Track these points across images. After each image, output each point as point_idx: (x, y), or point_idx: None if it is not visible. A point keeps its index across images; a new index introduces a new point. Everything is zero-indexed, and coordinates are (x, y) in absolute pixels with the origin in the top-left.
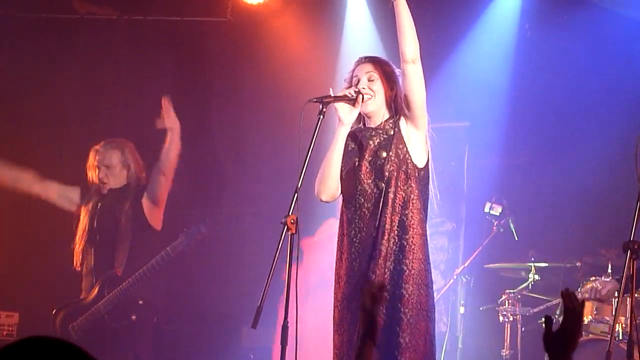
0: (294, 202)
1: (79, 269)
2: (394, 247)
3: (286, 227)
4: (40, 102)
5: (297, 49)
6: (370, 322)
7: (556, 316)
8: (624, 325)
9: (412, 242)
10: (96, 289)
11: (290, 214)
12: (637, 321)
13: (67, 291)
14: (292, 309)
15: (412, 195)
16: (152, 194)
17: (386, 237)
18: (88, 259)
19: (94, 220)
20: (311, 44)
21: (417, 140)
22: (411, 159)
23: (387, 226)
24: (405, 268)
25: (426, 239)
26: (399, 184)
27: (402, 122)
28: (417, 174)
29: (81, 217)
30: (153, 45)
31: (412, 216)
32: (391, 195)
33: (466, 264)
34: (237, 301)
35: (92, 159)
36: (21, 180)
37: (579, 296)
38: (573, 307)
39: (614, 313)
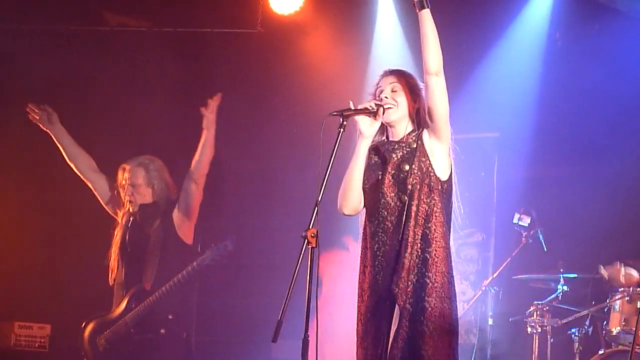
0: (314, 216)
1: (112, 283)
2: (417, 260)
3: (306, 240)
4: (72, 116)
5: (326, 60)
6: None
7: (585, 327)
8: None
9: (435, 255)
10: (124, 303)
11: (310, 227)
12: None
13: (98, 304)
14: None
15: (435, 208)
16: (184, 205)
17: (409, 250)
18: (119, 274)
19: (125, 236)
20: (340, 55)
21: (440, 153)
22: (434, 172)
23: (410, 239)
24: (428, 281)
25: (449, 252)
26: (422, 196)
27: (425, 134)
28: (440, 187)
29: (115, 232)
30: (183, 58)
31: (435, 229)
32: (414, 209)
33: (495, 275)
34: (266, 314)
35: (120, 177)
36: (81, 160)
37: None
38: None
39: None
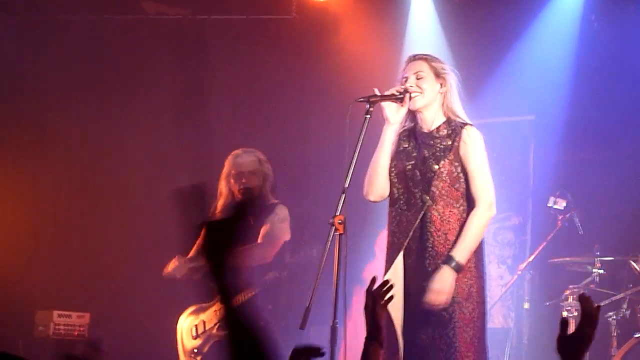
0: (341, 202)
1: None
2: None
3: (334, 227)
4: (112, 106)
5: (359, 46)
6: (373, 322)
7: (623, 310)
8: None
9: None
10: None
11: (337, 214)
12: None
13: (138, 293)
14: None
15: (464, 214)
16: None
17: (430, 254)
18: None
19: (212, 229)
20: (374, 41)
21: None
22: (465, 178)
23: (430, 244)
24: (457, 289)
25: (482, 257)
26: (447, 201)
27: (465, 135)
28: (468, 190)
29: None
30: (218, 45)
31: None
32: (435, 214)
33: (530, 259)
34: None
35: (228, 167)
36: None
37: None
38: (590, 311)
39: None
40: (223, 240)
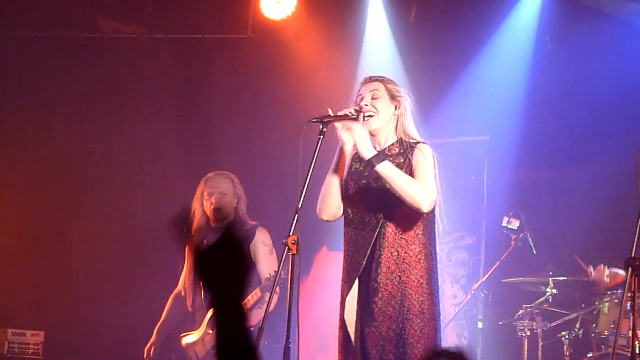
0: (294, 223)
1: (190, 309)
2: (394, 282)
3: (287, 247)
4: (64, 122)
5: (316, 66)
6: None
7: (575, 329)
8: None
9: (418, 276)
10: (205, 325)
11: (291, 234)
12: None
13: (92, 311)
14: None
15: (417, 230)
16: None
17: (381, 270)
18: (198, 295)
19: (203, 257)
20: (330, 61)
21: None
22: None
23: (383, 260)
24: (409, 304)
25: (433, 273)
26: (401, 217)
27: (417, 155)
28: None
29: (187, 256)
30: (174, 64)
31: (418, 250)
32: (389, 230)
33: (484, 279)
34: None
35: (201, 188)
36: None
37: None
38: None
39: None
40: (222, 272)
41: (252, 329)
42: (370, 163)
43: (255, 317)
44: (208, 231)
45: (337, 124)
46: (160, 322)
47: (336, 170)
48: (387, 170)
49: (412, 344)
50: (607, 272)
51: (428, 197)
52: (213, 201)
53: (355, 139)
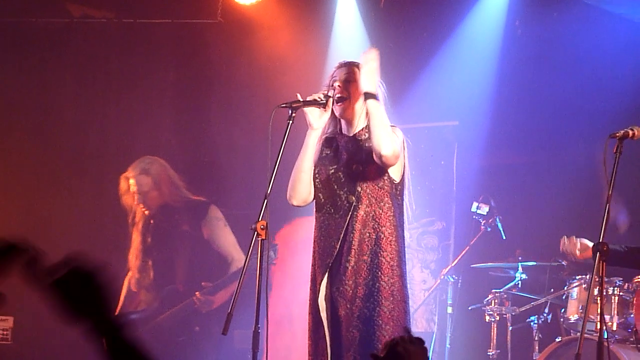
0: (263, 208)
1: (134, 288)
2: (366, 264)
3: (256, 232)
4: (33, 110)
5: (286, 51)
6: None
7: (544, 314)
8: (609, 324)
9: (389, 258)
10: (157, 303)
11: (260, 219)
12: (623, 319)
13: None
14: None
15: (388, 212)
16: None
17: (353, 253)
18: (146, 276)
19: (147, 237)
20: (300, 46)
21: None
22: (387, 174)
23: (355, 243)
24: (380, 285)
25: (402, 254)
26: (372, 199)
27: None
28: (393, 189)
29: (133, 236)
30: (144, 49)
31: (387, 232)
32: (361, 212)
33: (453, 264)
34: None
35: (123, 186)
36: None
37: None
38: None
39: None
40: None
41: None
42: (369, 94)
43: (218, 300)
44: (149, 215)
45: (306, 109)
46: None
47: (306, 156)
48: (377, 107)
49: (381, 325)
50: (578, 244)
51: (393, 150)
52: (138, 202)
53: (365, 72)
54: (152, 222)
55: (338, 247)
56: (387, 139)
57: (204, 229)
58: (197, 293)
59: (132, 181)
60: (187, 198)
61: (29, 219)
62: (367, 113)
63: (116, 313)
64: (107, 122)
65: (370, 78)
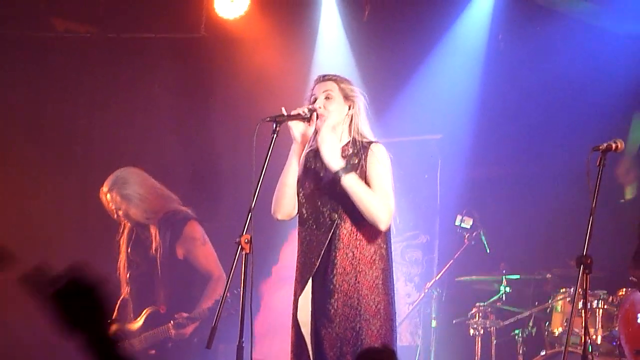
0: (248, 222)
1: (126, 296)
2: (349, 283)
3: (240, 247)
4: (16, 122)
5: (270, 65)
6: None
7: (529, 328)
8: (593, 337)
9: (374, 276)
10: (141, 321)
11: (244, 233)
12: (607, 332)
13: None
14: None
15: (372, 231)
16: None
17: (336, 271)
18: (131, 286)
19: (129, 249)
20: (284, 60)
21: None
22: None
23: (338, 260)
24: (366, 305)
25: (389, 274)
26: (356, 217)
27: (371, 157)
28: None
29: (121, 248)
30: (127, 63)
31: (373, 250)
32: (344, 230)
33: (437, 277)
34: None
35: (104, 201)
36: None
37: None
38: None
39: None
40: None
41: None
42: (337, 175)
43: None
44: (130, 228)
45: (290, 123)
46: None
47: (290, 170)
48: (352, 183)
49: (369, 344)
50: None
51: (387, 214)
52: (118, 215)
53: (322, 148)
54: (133, 234)
55: (318, 263)
56: (380, 211)
57: (178, 249)
58: (171, 322)
59: (108, 197)
60: (167, 210)
61: (17, 226)
62: (349, 128)
63: (110, 327)
64: (91, 136)
65: (330, 151)
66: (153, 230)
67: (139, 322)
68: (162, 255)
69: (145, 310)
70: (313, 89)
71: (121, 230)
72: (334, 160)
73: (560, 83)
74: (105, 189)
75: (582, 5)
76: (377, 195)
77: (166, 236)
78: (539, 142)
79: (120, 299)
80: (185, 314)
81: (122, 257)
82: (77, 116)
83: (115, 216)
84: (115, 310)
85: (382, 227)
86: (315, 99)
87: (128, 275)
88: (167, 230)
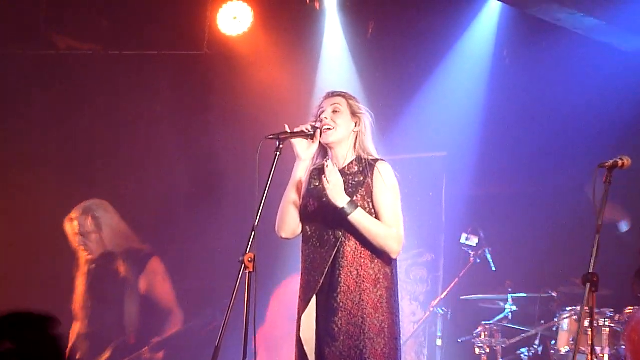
0: (251, 240)
1: (83, 331)
2: (354, 301)
3: (244, 265)
4: (17, 141)
5: (273, 81)
6: None
7: (535, 346)
8: (600, 355)
9: (378, 295)
10: (108, 354)
11: (247, 251)
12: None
13: None
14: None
15: (377, 250)
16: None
17: (340, 289)
18: (89, 323)
19: (90, 284)
20: (287, 77)
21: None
22: (376, 215)
23: (342, 279)
24: (371, 324)
25: (394, 292)
26: (362, 238)
27: (377, 174)
28: None
29: (77, 282)
30: (130, 81)
31: (378, 269)
32: (348, 249)
33: (442, 296)
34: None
35: (70, 230)
36: None
37: None
38: None
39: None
40: None
41: None
42: (343, 212)
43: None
44: (92, 259)
45: (294, 140)
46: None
47: (294, 188)
48: (359, 219)
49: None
50: None
51: (398, 244)
52: (79, 244)
53: (327, 186)
54: (94, 266)
55: (321, 281)
56: (390, 241)
57: (141, 283)
58: (146, 347)
59: (76, 222)
60: (129, 246)
61: None
62: (354, 145)
63: None
64: (93, 154)
65: (335, 189)
66: (118, 263)
67: (106, 356)
68: (127, 288)
69: (112, 344)
70: (321, 104)
71: (77, 264)
72: (339, 197)
73: (565, 99)
74: (74, 215)
75: (588, 21)
76: (386, 226)
77: (131, 270)
78: (544, 159)
79: (76, 334)
80: (158, 338)
81: (79, 292)
82: (78, 132)
83: (78, 244)
84: (69, 347)
85: (394, 256)
86: (323, 112)
87: (86, 309)
88: (133, 264)
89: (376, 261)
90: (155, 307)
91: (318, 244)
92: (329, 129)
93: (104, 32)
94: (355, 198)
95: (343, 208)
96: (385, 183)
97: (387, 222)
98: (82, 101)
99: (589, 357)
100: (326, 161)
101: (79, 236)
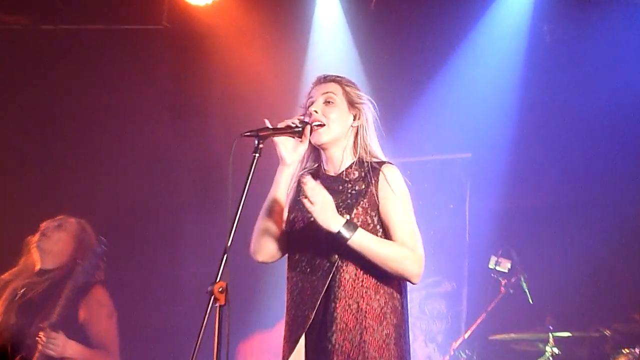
0: (222, 266)
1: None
2: (353, 342)
3: (213, 297)
4: None
5: (249, 61)
6: None
7: None
8: None
9: (384, 334)
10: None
11: (218, 280)
12: None
13: None
14: None
15: (382, 276)
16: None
17: (336, 327)
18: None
19: (16, 309)
20: (267, 56)
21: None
22: (384, 231)
23: (338, 313)
24: None
25: (404, 331)
26: (362, 259)
27: (382, 179)
28: None
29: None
30: (68, 60)
31: (384, 302)
32: (346, 276)
33: (466, 336)
34: None
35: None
36: None
37: None
38: None
39: None
40: None
41: None
42: (340, 237)
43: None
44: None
45: (277, 139)
46: None
47: (275, 198)
48: (362, 242)
49: None
50: None
51: (419, 265)
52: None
53: (312, 209)
54: (23, 291)
55: (313, 317)
56: (408, 264)
57: (81, 310)
58: (40, 333)
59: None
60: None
61: None
62: (353, 145)
63: None
64: (23, 148)
65: (325, 212)
66: (61, 284)
67: None
68: (64, 312)
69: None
70: (310, 92)
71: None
72: (331, 220)
73: (621, 89)
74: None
75: None
76: (399, 244)
77: (74, 293)
78: (593, 164)
79: None
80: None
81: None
82: (10, 120)
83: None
84: None
85: (415, 281)
86: (312, 103)
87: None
88: (77, 287)
89: (382, 291)
90: (91, 340)
91: (308, 269)
92: (320, 125)
93: (35, 5)
94: (355, 212)
95: (339, 232)
96: (394, 191)
97: (400, 239)
98: (10, 80)
99: None
100: (304, 178)
101: (38, 250)
